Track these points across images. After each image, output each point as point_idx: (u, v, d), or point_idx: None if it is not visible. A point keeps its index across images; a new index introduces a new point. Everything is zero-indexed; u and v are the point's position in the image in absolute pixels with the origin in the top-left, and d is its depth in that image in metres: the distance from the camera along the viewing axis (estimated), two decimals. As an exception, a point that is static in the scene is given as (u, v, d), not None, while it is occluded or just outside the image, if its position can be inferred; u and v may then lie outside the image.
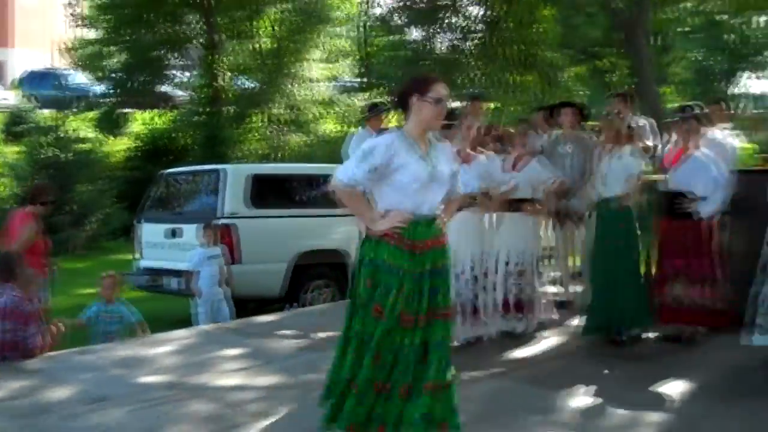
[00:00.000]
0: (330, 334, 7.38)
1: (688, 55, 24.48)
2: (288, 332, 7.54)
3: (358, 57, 24.73)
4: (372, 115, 8.76)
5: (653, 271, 7.24)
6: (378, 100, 14.40)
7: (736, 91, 25.86)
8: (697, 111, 7.66)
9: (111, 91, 24.10)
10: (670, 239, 7.03)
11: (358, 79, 24.61)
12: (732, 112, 11.35)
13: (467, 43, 17.98)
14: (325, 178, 10.03)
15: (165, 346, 7.08)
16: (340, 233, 10.00)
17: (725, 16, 21.85)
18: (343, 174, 4.15)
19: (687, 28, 23.67)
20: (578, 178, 7.86)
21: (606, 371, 6.26)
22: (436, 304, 4.16)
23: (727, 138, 7.80)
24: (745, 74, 25.72)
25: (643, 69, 21.12)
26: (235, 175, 9.90)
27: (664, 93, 23.20)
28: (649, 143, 8.90)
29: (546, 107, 9.57)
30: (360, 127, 9.82)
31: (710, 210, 6.82)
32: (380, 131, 8.42)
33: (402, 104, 4.32)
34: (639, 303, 6.81)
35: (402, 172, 4.12)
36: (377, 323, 4.08)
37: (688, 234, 6.89)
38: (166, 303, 10.42)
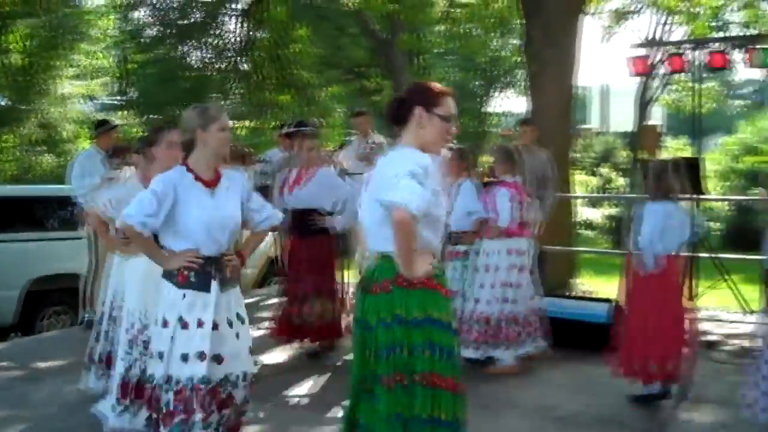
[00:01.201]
0: (51, 363, 7.05)
1: (445, 76, 25.52)
2: (4, 363, 7.06)
3: (117, 74, 23.91)
4: (101, 132, 8.44)
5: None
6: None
7: (490, 109, 27.32)
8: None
9: None
10: (303, 258, 7.07)
11: (118, 97, 23.76)
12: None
13: (222, 62, 17.80)
14: (63, 200, 9.78)
15: None
16: (78, 257, 9.57)
17: (478, 38, 22.93)
18: (415, 201, 3.30)
19: (442, 49, 24.70)
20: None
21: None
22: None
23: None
24: (497, 93, 27.18)
25: (402, 89, 21.80)
26: (-43, 198, 9.27)
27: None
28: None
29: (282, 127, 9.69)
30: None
31: (345, 223, 6.99)
32: (110, 150, 8.14)
33: (399, 116, 3.60)
34: None
35: (435, 201, 3.47)
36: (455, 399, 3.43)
37: (323, 250, 7.06)
38: None
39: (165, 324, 4.02)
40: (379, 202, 3.41)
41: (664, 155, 16.24)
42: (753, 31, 19.14)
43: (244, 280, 9.94)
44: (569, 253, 11.43)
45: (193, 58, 18.05)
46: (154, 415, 4.02)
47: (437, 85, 3.72)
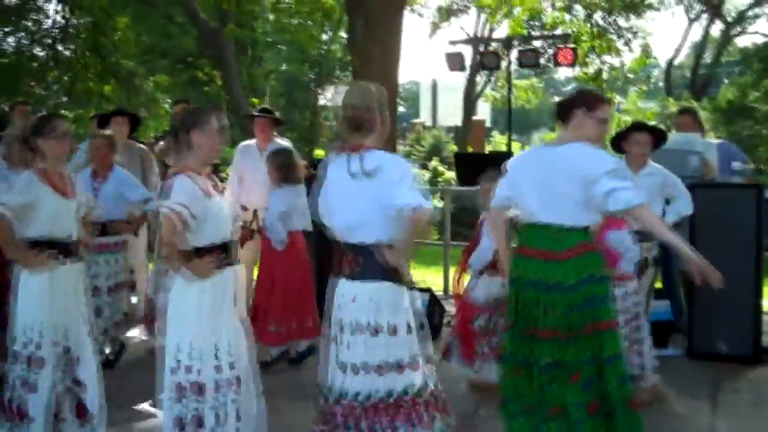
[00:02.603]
0: None
1: (277, 67, 25.49)
2: None
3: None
4: None
5: None
6: None
7: (323, 102, 27.46)
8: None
9: None
10: None
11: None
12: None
13: (40, 50, 17.05)
14: None
15: None
16: None
17: (308, 30, 22.99)
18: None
19: (270, 40, 24.63)
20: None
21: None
22: None
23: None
24: (330, 87, 27.36)
25: (232, 80, 21.58)
26: None
27: (253, 105, 23.86)
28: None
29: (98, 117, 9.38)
30: None
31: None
32: None
33: (563, 115, 4.16)
34: None
35: None
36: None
37: None
38: None
39: (409, 329, 3.82)
40: (602, 194, 3.85)
41: (488, 149, 16.88)
42: (563, 32, 19.91)
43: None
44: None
45: (9, 43, 17.19)
46: None
47: (598, 93, 4.52)
